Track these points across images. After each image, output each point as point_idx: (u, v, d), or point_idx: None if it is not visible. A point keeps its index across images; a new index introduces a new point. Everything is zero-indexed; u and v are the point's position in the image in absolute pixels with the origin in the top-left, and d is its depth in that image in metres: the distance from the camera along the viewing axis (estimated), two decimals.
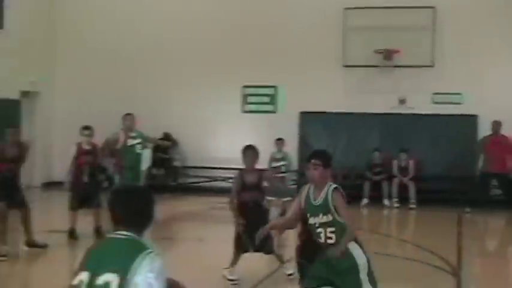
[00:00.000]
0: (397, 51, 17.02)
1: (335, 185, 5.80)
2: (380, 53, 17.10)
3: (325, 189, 5.79)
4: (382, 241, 12.64)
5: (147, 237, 3.88)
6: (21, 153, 10.48)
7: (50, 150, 18.74)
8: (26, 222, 10.33)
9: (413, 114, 17.30)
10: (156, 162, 17.21)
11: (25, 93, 18.41)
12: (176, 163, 18.75)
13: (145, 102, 17.45)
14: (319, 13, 17.72)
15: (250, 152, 8.34)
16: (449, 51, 17.13)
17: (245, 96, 18.74)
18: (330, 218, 5.61)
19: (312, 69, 17.85)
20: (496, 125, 15.30)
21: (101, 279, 3.61)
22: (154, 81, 18.92)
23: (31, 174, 18.36)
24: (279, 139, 14.81)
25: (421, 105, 17.30)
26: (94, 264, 3.69)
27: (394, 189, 16.33)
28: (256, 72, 18.28)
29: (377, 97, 17.49)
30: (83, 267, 3.72)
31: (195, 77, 18.70)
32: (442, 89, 17.30)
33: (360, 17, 17.44)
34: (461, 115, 16.81)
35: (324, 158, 5.94)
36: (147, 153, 15.77)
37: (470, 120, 16.47)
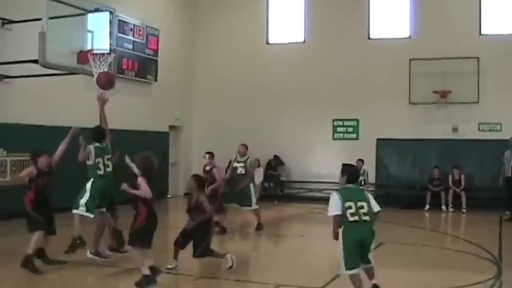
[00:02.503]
0: (449, 91, 18.68)
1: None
2: (437, 93, 18.80)
3: None
4: (440, 237, 13.78)
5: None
6: None
7: (190, 168, 19.95)
8: None
9: (464, 139, 18.89)
10: (267, 177, 19.95)
11: (172, 127, 20.93)
12: (282, 178, 20.44)
13: (261, 132, 18.86)
14: (391, 63, 19.63)
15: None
16: (491, 91, 18.67)
17: (334, 127, 20.66)
18: None
19: (385, 106, 19.69)
20: None
21: (359, 204, 5.93)
22: (268, 117, 20.94)
23: (177, 186, 20.91)
24: (360, 159, 16.69)
25: (470, 132, 18.97)
26: (351, 197, 5.92)
27: (450, 198, 17.76)
28: (342, 109, 20.36)
29: (435, 126, 19.19)
30: (346, 199, 5.93)
31: (298, 114, 20.71)
32: (486, 120, 18.95)
33: (422, 66, 19.10)
34: (501, 140, 17.75)
35: None
36: (260, 171, 19.13)
37: (507, 144, 16.64)
